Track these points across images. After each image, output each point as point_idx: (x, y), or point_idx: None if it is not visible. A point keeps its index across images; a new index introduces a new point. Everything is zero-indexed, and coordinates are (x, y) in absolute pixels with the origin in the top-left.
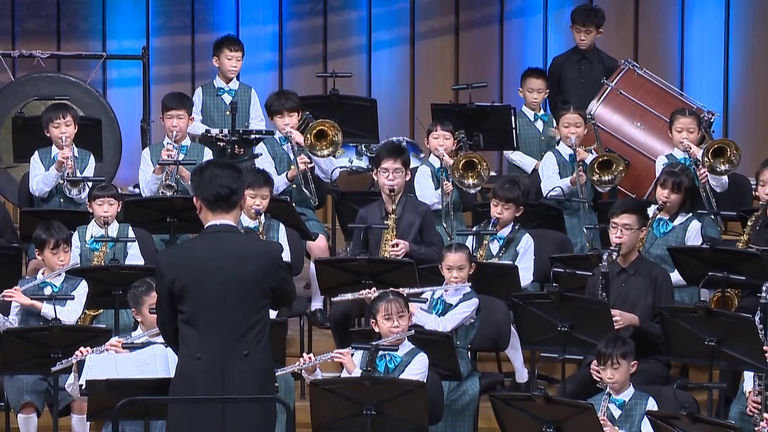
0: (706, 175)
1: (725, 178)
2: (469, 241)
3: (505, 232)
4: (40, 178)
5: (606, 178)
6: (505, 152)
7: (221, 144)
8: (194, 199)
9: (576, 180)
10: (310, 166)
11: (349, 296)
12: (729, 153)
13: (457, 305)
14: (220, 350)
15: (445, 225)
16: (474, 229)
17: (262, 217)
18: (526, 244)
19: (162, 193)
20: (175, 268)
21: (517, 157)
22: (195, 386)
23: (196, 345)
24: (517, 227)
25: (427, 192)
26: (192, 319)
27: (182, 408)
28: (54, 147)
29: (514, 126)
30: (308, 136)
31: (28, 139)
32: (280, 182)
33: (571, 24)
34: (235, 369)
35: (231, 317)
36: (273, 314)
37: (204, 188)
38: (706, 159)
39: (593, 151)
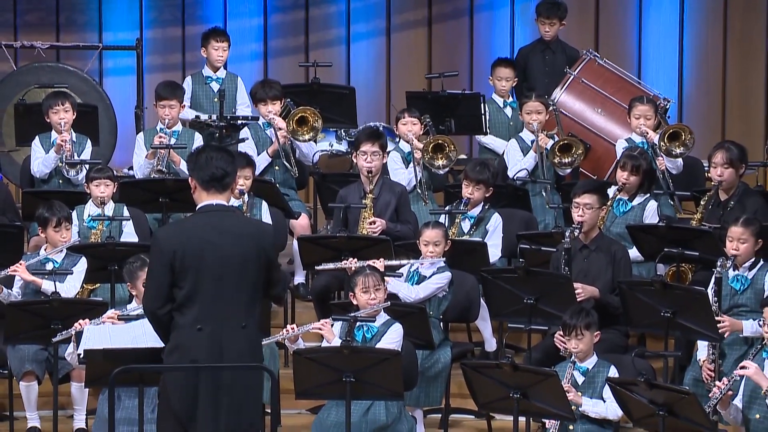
0: (664, 163)
1: (680, 160)
2: (442, 220)
3: (475, 211)
4: (41, 160)
5: (566, 160)
6: (477, 136)
7: (210, 129)
8: (190, 179)
9: (537, 147)
10: (289, 143)
11: (330, 266)
12: (684, 137)
13: (430, 277)
14: (220, 322)
15: (420, 192)
16: (446, 208)
17: (246, 196)
18: (495, 222)
19: (153, 176)
20: (176, 243)
21: (489, 141)
22: (195, 356)
23: (196, 317)
24: (487, 207)
25: (398, 176)
26: (193, 293)
27: (181, 376)
28: (53, 132)
29: (483, 112)
30: (290, 122)
31: (29, 125)
32: (263, 159)
33: (536, 17)
34: (233, 339)
35: (230, 291)
36: None
37: (200, 169)
38: (662, 143)
39: (555, 135)
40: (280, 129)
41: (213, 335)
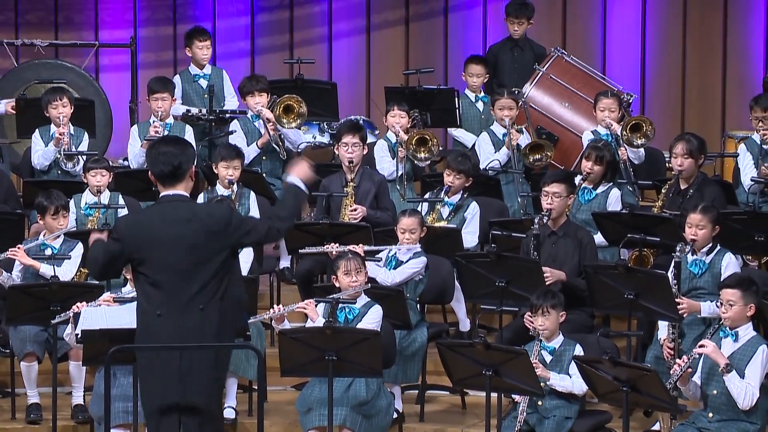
0: (626, 153)
1: (642, 150)
2: (422, 207)
3: (455, 199)
4: (40, 153)
5: (537, 156)
6: (449, 129)
7: (201, 122)
8: (149, 174)
9: (509, 144)
10: (278, 134)
11: (314, 249)
12: (645, 128)
13: (407, 262)
14: (178, 307)
15: (399, 188)
16: (427, 195)
17: (235, 186)
18: (473, 211)
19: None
20: (135, 233)
21: (459, 134)
22: (157, 339)
23: (157, 302)
24: (465, 195)
25: (385, 164)
26: (153, 280)
27: (147, 357)
28: (53, 125)
29: (457, 106)
30: (277, 109)
31: (29, 118)
32: (252, 151)
33: (505, 16)
34: (191, 322)
35: (187, 276)
36: (245, 271)
37: (153, 165)
38: (624, 133)
39: (524, 129)
40: (268, 120)
41: (172, 320)
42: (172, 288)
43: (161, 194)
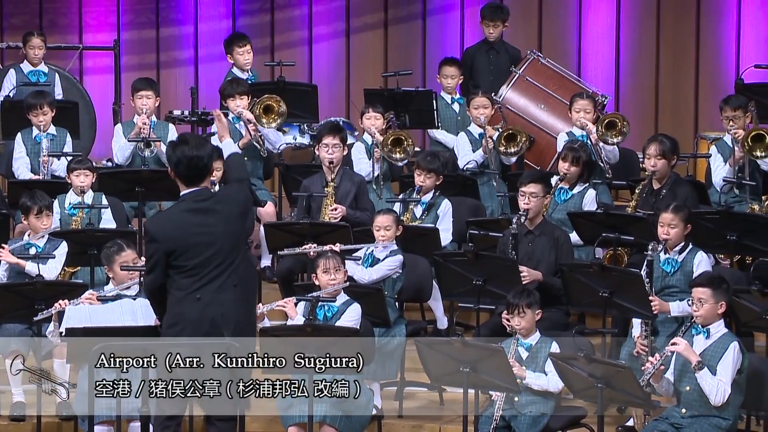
0: (601, 149)
1: (617, 150)
2: (397, 207)
3: (427, 197)
4: (23, 166)
5: (512, 150)
6: (429, 131)
7: (182, 123)
8: (169, 169)
9: (486, 148)
10: (259, 135)
11: (293, 251)
12: (619, 125)
13: (383, 260)
14: (215, 288)
15: (375, 188)
16: (401, 196)
17: (217, 186)
18: (445, 208)
19: (140, 150)
20: (170, 231)
21: (441, 136)
22: (197, 322)
23: (195, 288)
24: (437, 194)
25: (362, 165)
26: (191, 269)
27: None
28: (35, 128)
29: (435, 108)
30: (257, 108)
31: (14, 120)
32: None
33: (480, 19)
34: (229, 298)
35: (223, 260)
36: None
37: (176, 166)
38: (599, 130)
39: (500, 129)
40: (249, 121)
41: (211, 301)
42: (209, 272)
43: (186, 191)
